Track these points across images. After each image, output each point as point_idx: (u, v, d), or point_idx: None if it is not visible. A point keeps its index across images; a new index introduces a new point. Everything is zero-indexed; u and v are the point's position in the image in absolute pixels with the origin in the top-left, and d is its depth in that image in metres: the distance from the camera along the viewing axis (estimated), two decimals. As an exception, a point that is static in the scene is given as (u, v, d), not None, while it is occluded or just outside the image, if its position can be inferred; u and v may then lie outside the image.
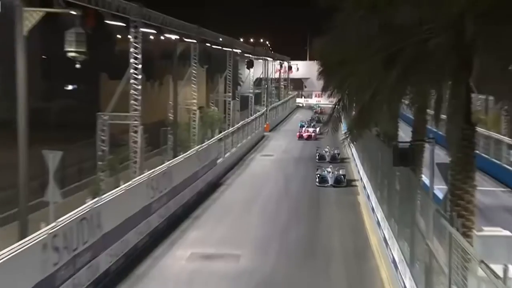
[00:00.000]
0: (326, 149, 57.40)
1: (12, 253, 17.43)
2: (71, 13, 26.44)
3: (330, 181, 42.67)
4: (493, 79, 20.37)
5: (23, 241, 18.72)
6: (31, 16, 23.81)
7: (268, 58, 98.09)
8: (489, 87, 22.02)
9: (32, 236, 19.21)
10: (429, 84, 21.99)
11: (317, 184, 43.42)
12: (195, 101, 55.71)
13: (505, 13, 18.14)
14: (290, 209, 37.52)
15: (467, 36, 18.67)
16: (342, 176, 44.33)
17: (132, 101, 35.18)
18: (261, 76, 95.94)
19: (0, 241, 19.70)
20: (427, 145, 25.28)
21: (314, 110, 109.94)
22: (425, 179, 24.17)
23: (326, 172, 44.39)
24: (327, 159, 56.76)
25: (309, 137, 76.02)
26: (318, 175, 44.56)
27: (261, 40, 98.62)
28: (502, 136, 45.66)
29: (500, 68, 19.37)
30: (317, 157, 57.20)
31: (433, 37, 19.12)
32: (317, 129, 75.44)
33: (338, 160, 56.66)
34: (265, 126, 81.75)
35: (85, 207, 22.40)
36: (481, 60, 19.42)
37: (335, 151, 58.02)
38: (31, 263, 18.41)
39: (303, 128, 79.96)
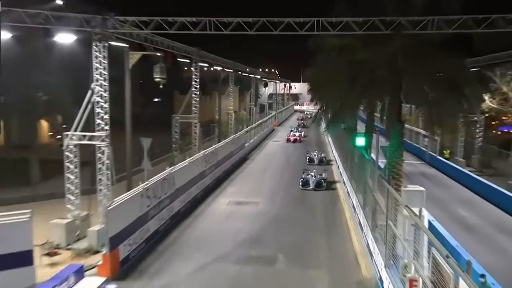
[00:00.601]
0: (315, 153, 44.09)
1: (124, 199, 18.05)
2: (157, 55, 26.87)
3: (312, 185, 32.42)
4: (414, 94, 20.63)
5: (129, 192, 19.30)
6: (133, 57, 24.29)
7: (277, 81, 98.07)
8: (412, 99, 22.27)
9: (134, 189, 19.77)
10: (376, 97, 22.33)
11: (300, 187, 32.60)
12: (231, 107, 55.98)
13: (420, 54, 18.61)
14: (290, 175, 37.26)
15: (398, 68, 19.06)
16: (323, 180, 33.33)
17: (193, 108, 35.70)
18: (272, 92, 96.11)
19: (118, 192, 20.14)
20: (374, 135, 25.58)
21: (297, 118, 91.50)
22: (373, 155, 24.45)
23: (309, 176, 33.68)
24: (316, 162, 42.71)
25: (295, 140, 59.93)
26: (302, 179, 33.54)
27: (272, 70, 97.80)
28: (419, 129, 45.96)
29: (418, 88, 19.69)
30: (307, 160, 42.85)
31: (378, 68, 19.50)
32: (302, 133, 64.49)
33: (324, 162, 42.60)
34: (275, 123, 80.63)
35: (165, 172, 22.92)
36: (407, 83, 19.74)
37: (322, 155, 44.26)
38: (134, 205, 18.95)
39: (291, 133, 63.28)
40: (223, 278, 17.31)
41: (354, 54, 20.27)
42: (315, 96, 29.94)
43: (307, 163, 42.07)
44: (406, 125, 36.20)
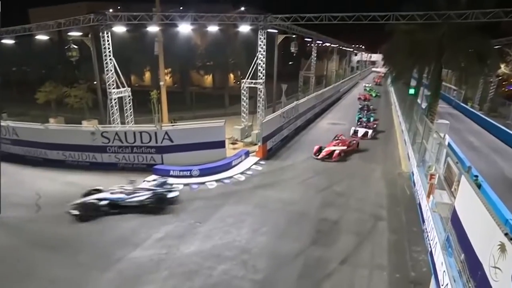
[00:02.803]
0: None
1: (272, 117, 18.64)
2: (293, 36, 26.11)
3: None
4: (451, 62, 18.26)
5: (273, 114, 19.70)
6: (279, 38, 23.81)
7: (362, 52, 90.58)
8: (449, 65, 19.69)
9: (276, 112, 20.22)
10: (425, 64, 19.98)
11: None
12: (334, 68, 53.41)
13: (459, 36, 16.17)
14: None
15: (442, 45, 16.89)
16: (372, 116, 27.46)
17: (311, 67, 34.71)
18: (359, 59, 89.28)
19: (267, 113, 20.58)
20: (421, 88, 23.32)
21: (358, 97, 42.02)
22: (419, 101, 22.41)
23: (362, 115, 27.07)
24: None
25: (365, 135, 23.01)
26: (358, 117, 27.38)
27: (361, 45, 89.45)
28: (450, 85, 40.62)
29: (454, 58, 17.35)
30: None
31: (429, 45, 17.40)
32: (370, 132, 23.45)
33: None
34: (360, 77, 74.86)
35: (293, 104, 22.87)
36: (447, 55, 17.49)
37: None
38: (276, 120, 19.34)
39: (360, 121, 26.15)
40: (321, 163, 17.64)
41: (414, 36, 18.15)
42: (386, 62, 27.69)
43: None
44: (444, 83, 32.66)
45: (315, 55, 34.78)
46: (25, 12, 47.46)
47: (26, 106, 29.43)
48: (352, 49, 72.11)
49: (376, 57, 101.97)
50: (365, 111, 29.31)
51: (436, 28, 17.20)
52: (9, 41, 24.53)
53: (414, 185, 13.72)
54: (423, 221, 10.82)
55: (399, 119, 28.07)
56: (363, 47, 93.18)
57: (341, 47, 56.30)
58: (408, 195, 13.68)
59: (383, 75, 69.50)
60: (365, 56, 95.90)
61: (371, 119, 26.80)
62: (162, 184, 12.64)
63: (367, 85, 54.64)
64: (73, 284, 8.38)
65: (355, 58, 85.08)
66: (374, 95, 45.50)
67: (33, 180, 14.88)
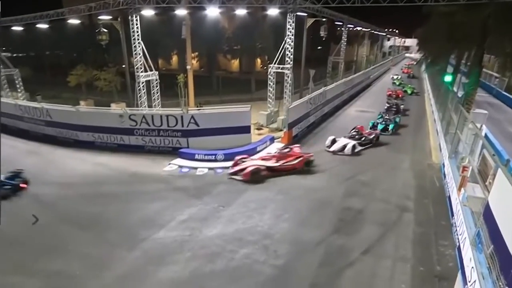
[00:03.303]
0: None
1: (298, 103, 18.45)
2: (323, 20, 25.41)
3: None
4: (495, 47, 17.18)
5: (300, 100, 19.55)
6: (309, 21, 23.27)
7: (396, 37, 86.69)
8: (493, 51, 18.54)
9: (303, 98, 20.03)
10: (465, 49, 19.00)
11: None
12: (364, 53, 51.54)
13: (507, 17, 15.08)
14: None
15: (487, 26, 15.88)
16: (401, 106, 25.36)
17: (341, 53, 33.67)
18: (392, 44, 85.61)
19: (294, 99, 20.50)
20: (459, 75, 22.11)
21: (388, 93, 31.77)
22: (455, 89, 21.28)
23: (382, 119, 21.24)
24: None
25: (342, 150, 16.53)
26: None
27: (394, 30, 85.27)
28: (491, 72, 37.85)
29: (499, 42, 16.31)
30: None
31: (471, 27, 16.43)
32: (351, 145, 16.57)
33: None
34: (391, 63, 71.85)
35: (320, 90, 22.41)
36: (491, 39, 16.45)
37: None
38: (303, 106, 19.13)
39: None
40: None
41: (454, 18, 17.11)
42: (421, 47, 26.56)
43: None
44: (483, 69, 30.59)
45: (345, 39, 33.69)
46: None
47: (59, 89, 30.69)
48: (384, 34, 69.27)
49: (410, 42, 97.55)
50: (393, 112, 23.30)
51: (480, 9, 16.10)
52: (43, 26, 25.47)
53: (445, 177, 13.22)
54: (452, 215, 10.45)
55: (431, 108, 26.92)
56: (397, 31, 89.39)
57: (373, 31, 54.17)
58: (438, 187, 13.22)
59: (414, 63, 65.86)
60: (398, 41, 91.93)
61: (391, 126, 20.17)
62: (13, 177, 11.89)
63: (395, 76, 44.89)
64: (100, 260, 8.81)
65: (388, 43, 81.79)
66: (409, 92, 35.69)
67: (65, 160, 15.62)
